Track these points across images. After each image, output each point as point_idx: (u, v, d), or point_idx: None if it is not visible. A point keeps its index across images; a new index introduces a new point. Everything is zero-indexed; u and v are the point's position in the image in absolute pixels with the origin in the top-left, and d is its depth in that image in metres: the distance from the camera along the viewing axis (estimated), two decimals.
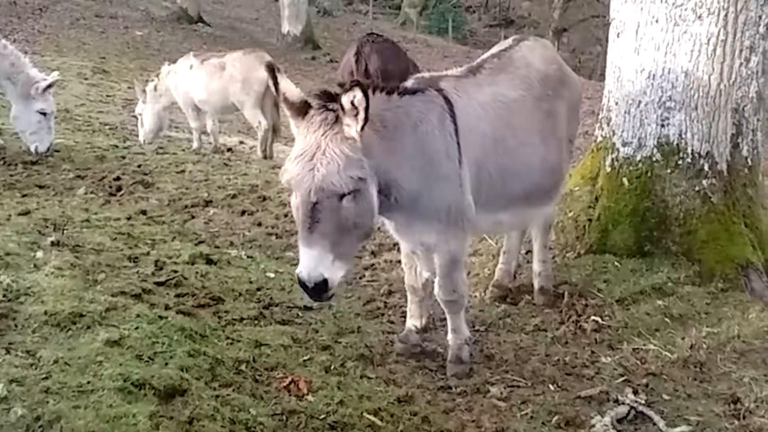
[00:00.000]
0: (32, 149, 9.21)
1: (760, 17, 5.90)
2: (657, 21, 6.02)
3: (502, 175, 4.86)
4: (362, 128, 3.91)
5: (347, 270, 4.22)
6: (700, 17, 5.85)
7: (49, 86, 9.33)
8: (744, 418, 4.54)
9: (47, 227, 6.49)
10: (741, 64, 5.94)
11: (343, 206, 3.94)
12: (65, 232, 6.43)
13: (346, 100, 3.83)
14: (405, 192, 4.33)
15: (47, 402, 3.68)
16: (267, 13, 35.76)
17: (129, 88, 15.44)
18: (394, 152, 4.26)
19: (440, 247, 4.67)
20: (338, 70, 13.25)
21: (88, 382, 3.90)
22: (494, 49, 5.57)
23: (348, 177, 3.87)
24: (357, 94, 3.80)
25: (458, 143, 4.50)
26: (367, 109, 3.83)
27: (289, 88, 4.04)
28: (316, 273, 3.91)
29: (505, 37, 6.70)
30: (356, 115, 3.87)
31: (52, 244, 5.95)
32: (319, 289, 3.95)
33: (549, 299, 5.90)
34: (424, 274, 5.10)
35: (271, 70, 4.00)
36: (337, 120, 3.93)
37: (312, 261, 3.92)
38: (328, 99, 4.01)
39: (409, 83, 4.66)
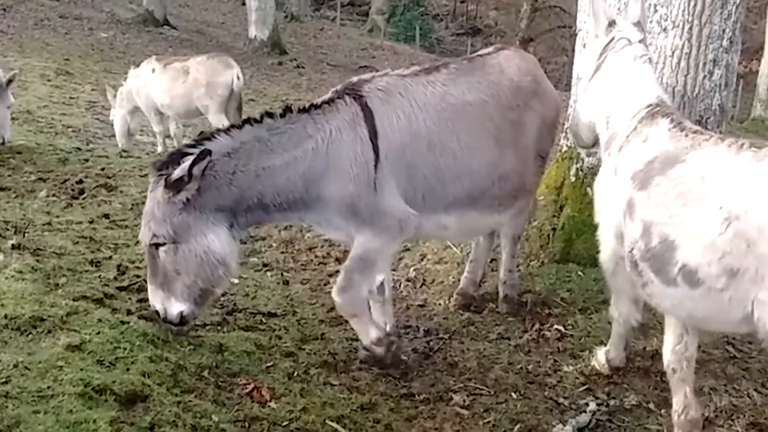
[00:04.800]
0: (6, 139, 9.47)
1: (723, 31, 5.97)
2: None
3: (439, 177, 4.93)
4: (186, 199, 4.46)
5: (190, 307, 4.66)
6: (665, 30, 5.91)
7: (10, 81, 9.59)
8: (704, 427, 4.58)
9: (8, 230, 6.42)
10: (705, 76, 6.00)
11: (161, 256, 4.58)
12: (26, 235, 6.37)
13: (181, 174, 4.41)
14: (292, 197, 4.71)
15: (6, 407, 3.64)
16: (234, 17, 35.67)
17: (93, 90, 15.33)
18: (273, 168, 4.63)
19: (357, 240, 4.87)
20: None
21: (49, 387, 3.87)
22: (474, 55, 5.74)
23: (153, 234, 4.55)
24: (196, 168, 4.39)
25: (376, 146, 4.70)
26: (188, 179, 4.40)
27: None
28: (157, 305, 4.66)
29: (473, 46, 6.79)
30: (196, 180, 4.44)
31: (13, 247, 5.89)
32: (168, 320, 4.68)
33: (513, 308, 5.90)
34: (377, 276, 5.04)
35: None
36: (165, 184, 4.49)
37: (151, 295, 4.68)
38: (164, 167, 4.55)
39: (329, 93, 4.93)
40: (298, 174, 4.67)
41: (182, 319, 4.67)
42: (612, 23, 4.78)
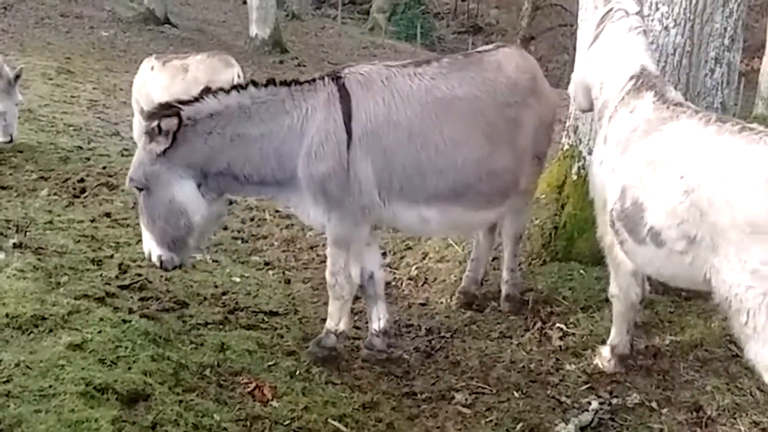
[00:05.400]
0: (13, 137, 9.43)
1: (725, 29, 5.96)
2: None
3: (420, 168, 4.94)
4: (170, 145, 4.71)
5: (167, 253, 4.93)
6: (666, 28, 5.90)
7: (17, 77, 9.61)
8: (706, 426, 4.58)
9: (9, 229, 6.42)
10: (706, 75, 6.00)
11: (140, 200, 4.92)
12: (28, 233, 6.36)
13: (154, 125, 4.70)
14: (263, 171, 4.87)
15: (8, 406, 3.64)
16: (235, 15, 35.63)
17: (94, 88, 15.29)
18: (247, 137, 4.82)
19: (328, 225, 4.96)
20: None
21: (50, 386, 3.87)
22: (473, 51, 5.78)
23: (130, 177, 4.87)
24: (164, 122, 4.68)
25: (349, 128, 4.80)
26: (176, 131, 4.69)
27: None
28: (145, 248, 5.02)
29: (474, 44, 6.75)
30: (166, 135, 4.69)
31: (15, 246, 5.89)
32: (153, 263, 5.04)
33: (515, 307, 5.89)
34: (353, 267, 5.08)
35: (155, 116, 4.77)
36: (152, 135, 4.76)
37: (143, 238, 5.05)
38: (154, 116, 4.79)
39: (316, 75, 5.09)
40: (271, 147, 4.84)
41: (161, 264, 4.97)
42: None
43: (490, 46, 5.68)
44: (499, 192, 5.28)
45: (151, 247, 4.95)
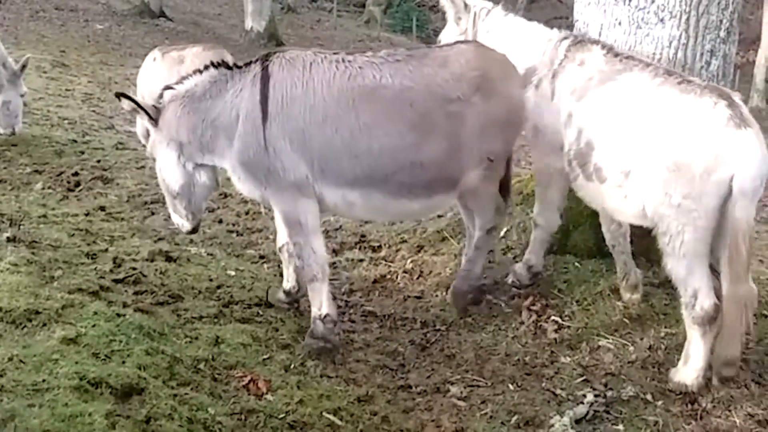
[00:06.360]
0: (16, 130, 9.53)
1: (720, 21, 5.95)
2: (620, 23, 6.04)
3: (334, 152, 5.10)
4: (149, 120, 5.32)
5: (173, 215, 5.61)
6: (662, 20, 5.88)
7: (23, 68, 9.74)
8: (701, 418, 4.60)
9: (3, 222, 6.41)
10: (702, 67, 5.98)
11: None
12: (22, 227, 6.35)
13: (123, 106, 5.45)
14: (213, 143, 5.26)
15: (1, 400, 3.64)
16: (230, 8, 35.56)
17: (89, 82, 15.25)
18: (192, 117, 5.25)
19: (273, 205, 5.33)
20: None
21: (44, 381, 3.87)
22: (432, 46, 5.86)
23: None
24: (124, 102, 5.34)
25: (265, 108, 5.07)
26: (141, 108, 5.31)
27: (147, 103, 5.45)
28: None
29: None
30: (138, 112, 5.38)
31: (8, 239, 5.88)
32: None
33: (459, 302, 5.75)
34: (316, 243, 5.25)
35: (126, 97, 5.32)
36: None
37: None
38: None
39: (253, 59, 5.40)
40: (217, 121, 5.22)
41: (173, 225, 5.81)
42: (465, 4, 5.97)
43: (452, 42, 5.69)
44: (424, 185, 5.26)
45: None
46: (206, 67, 5.34)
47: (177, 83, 5.40)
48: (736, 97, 4.72)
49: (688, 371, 4.80)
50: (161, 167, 5.44)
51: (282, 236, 5.58)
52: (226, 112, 5.19)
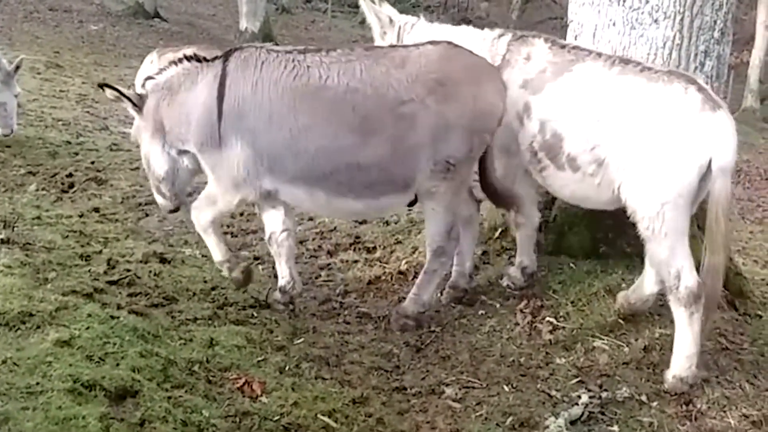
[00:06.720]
0: (13, 130, 9.57)
1: (715, 22, 5.96)
2: (614, 24, 6.04)
3: (277, 150, 5.28)
4: (134, 107, 5.60)
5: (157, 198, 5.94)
6: (656, 21, 5.89)
7: (17, 68, 9.79)
8: (696, 419, 4.60)
9: None
10: (696, 68, 5.98)
11: None
12: (15, 229, 6.33)
13: (107, 95, 5.66)
14: (184, 134, 5.50)
15: None
16: (225, 9, 35.48)
17: (83, 83, 15.20)
18: (171, 108, 5.52)
19: (209, 182, 5.63)
20: None
21: (38, 383, 3.86)
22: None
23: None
24: (107, 91, 5.61)
25: (220, 107, 5.30)
26: (125, 97, 5.56)
27: (131, 92, 5.69)
28: None
29: None
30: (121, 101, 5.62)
31: (2, 241, 5.87)
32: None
33: (398, 326, 5.59)
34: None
35: (109, 87, 5.61)
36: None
37: None
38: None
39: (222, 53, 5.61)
40: (188, 113, 5.44)
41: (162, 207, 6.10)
42: (390, 19, 6.09)
43: (425, 41, 5.57)
44: (366, 185, 5.28)
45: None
46: (180, 60, 5.57)
47: (156, 74, 5.67)
48: (701, 81, 5.09)
49: (680, 361, 4.87)
50: (146, 153, 5.70)
51: (268, 227, 5.71)
52: (195, 105, 5.40)
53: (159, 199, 5.90)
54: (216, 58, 5.51)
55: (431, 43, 5.45)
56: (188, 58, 5.57)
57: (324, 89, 5.16)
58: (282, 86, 5.22)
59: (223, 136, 5.30)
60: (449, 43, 5.44)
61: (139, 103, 5.57)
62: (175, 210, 6.03)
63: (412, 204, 5.71)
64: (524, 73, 5.40)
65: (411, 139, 5.15)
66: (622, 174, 4.94)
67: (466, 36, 5.78)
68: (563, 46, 5.42)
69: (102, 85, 5.66)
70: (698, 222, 5.63)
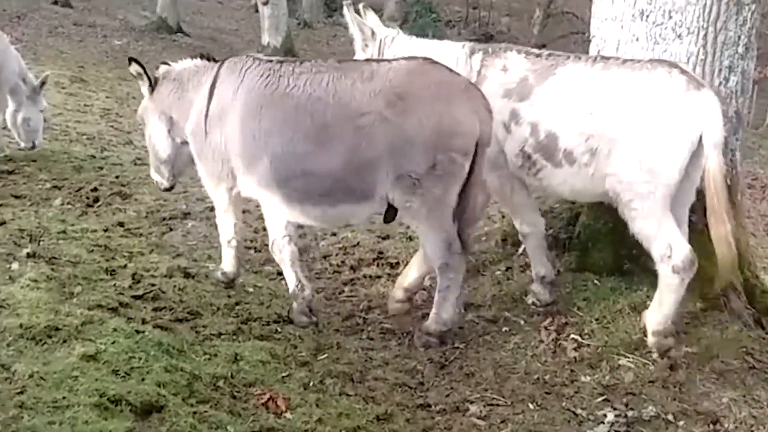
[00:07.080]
0: (36, 144, 9.76)
1: (739, 37, 5.93)
2: (637, 39, 6.03)
3: (246, 153, 5.56)
4: (149, 86, 6.21)
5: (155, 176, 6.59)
6: (679, 36, 5.87)
7: (43, 84, 9.97)
8: None
9: (23, 238, 6.43)
10: (720, 83, 5.96)
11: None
12: (41, 243, 6.37)
13: (131, 69, 6.20)
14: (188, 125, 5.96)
15: (22, 417, 3.65)
16: (247, 24, 35.67)
17: (107, 97, 15.30)
18: (180, 103, 6.04)
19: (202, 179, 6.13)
20: None
21: (64, 398, 3.88)
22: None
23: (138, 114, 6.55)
24: (132, 66, 6.16)
25: (208, 107, 5.72)
26: (145, 74, 6.18)
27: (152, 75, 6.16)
28: None
29: None
30: (140, 76, 6.20)
31: (28, 255, 5.91)
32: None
33: (419, 340, 5.56)
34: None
35: (136, 62, 6.17)
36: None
37: None
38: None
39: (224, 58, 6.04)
40: (192, 107, 5.89)
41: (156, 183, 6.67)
42: (373, 32, 6.25)
43: (402, 56, 5.63)
44: (322, 193, 5.37)
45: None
46: (194, 57, 6.14)
47: (173, 62, 6.24)
48: (683, 65, 5.37)
49: (657, 318, 5.22)
50: (151, 134, 6.32)
51: (270, 235, 5.93)
52: (197, 103, 5.84)
53: (156, 176, 6.50)
54: (217, 62, 5.95)
55: (408, 58, 5.48)
56: (202, 56, 6.09)
57: (287, 97, 5.38)
58: (254, 93, 5.51)
59: (208, 134, 5.73)
60: (426, 59, 5.41)
61: (154, 85, 6.15)
62: (170, 188, 6.67)
63: (388, 219, 5.59)
64: (504, 83, 5.56)
65: (368, 151, 5.18)
66: (615, 161, 5.14)
67: (442, 50, 5.91)
68: (538, 55, 5.61)
69: (131, 60, 6.15)
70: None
